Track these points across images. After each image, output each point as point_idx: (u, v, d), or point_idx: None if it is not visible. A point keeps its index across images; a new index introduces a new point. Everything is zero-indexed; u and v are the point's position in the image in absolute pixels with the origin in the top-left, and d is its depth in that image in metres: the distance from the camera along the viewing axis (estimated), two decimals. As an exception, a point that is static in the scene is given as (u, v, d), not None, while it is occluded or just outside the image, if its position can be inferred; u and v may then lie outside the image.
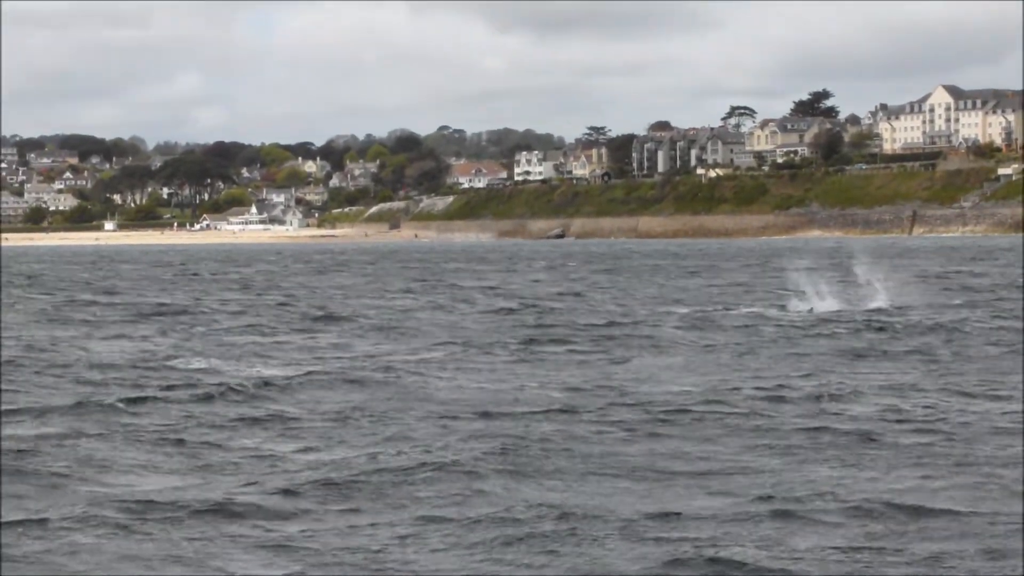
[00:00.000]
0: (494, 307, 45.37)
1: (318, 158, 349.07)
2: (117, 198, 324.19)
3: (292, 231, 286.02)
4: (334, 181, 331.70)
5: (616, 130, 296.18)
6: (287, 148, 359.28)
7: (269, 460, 16.33)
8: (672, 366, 26.29)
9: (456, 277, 73.89)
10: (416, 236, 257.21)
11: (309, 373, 24.67)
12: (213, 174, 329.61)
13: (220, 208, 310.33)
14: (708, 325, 36.12)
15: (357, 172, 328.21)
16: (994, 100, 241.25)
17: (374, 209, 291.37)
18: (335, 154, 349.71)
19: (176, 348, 30.58)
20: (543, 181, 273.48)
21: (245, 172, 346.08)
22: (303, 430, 18.54)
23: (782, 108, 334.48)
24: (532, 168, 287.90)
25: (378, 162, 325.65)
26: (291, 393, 22.16)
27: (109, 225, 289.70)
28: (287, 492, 14.21)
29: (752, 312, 40.90)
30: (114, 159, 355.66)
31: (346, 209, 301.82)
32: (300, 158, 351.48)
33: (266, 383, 22.96)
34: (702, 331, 34.13)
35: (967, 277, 64.93)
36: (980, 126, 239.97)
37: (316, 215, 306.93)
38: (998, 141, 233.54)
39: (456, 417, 19.29)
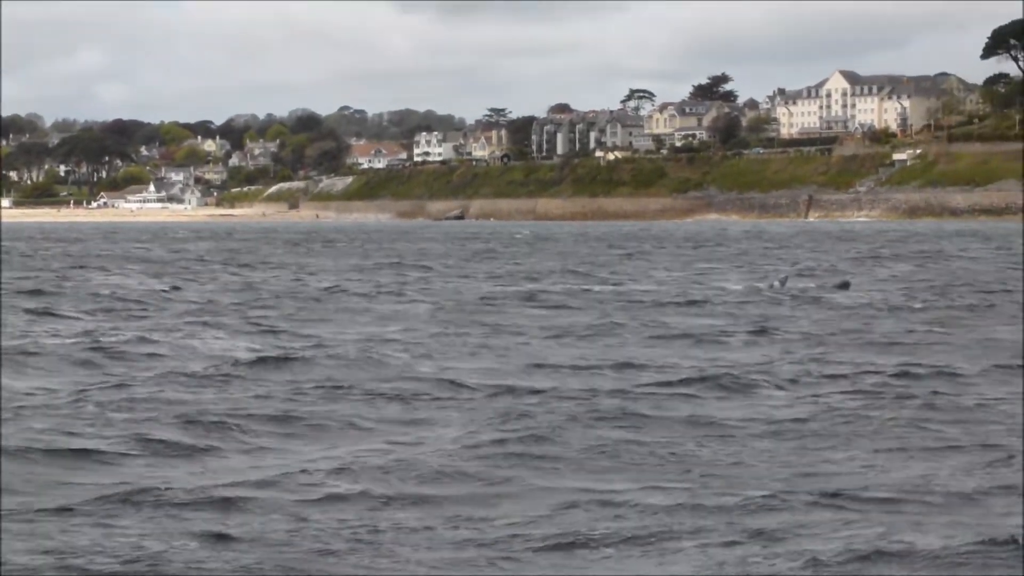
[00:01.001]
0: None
1: (218, 137, 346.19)
2: (13, 175, 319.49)
3: (190, 210, 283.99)
4: (234, 160, 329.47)
5: (518, 112, 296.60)
6: (187, 127, 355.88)
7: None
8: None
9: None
10: (318, 216, 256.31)
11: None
12: (111, 152, 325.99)
13: (118, 186, 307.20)
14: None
15: (257, 151, 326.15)
16: (890, 86, 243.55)
17: (273, 189, 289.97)
18: (235, 133, 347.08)
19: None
20: (443, 162, 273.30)
21: (144, 150, 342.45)
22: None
23: (684, 92, 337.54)
24: (432, 149, 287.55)
25: (278, 142, 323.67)
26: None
27: (5, 202, 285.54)
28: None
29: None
30: (11, 136, 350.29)
31: (245, 188, 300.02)
32: (200, 137, 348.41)
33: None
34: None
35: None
36: (876, 112, 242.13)
37: (215, 194, 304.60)
38: (893, 127, 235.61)
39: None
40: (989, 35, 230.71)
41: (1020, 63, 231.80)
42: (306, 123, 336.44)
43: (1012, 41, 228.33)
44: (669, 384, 19.99)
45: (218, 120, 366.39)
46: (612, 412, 17.22)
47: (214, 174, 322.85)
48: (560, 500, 12.50)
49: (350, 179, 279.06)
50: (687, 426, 16.52)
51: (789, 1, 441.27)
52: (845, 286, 44.20)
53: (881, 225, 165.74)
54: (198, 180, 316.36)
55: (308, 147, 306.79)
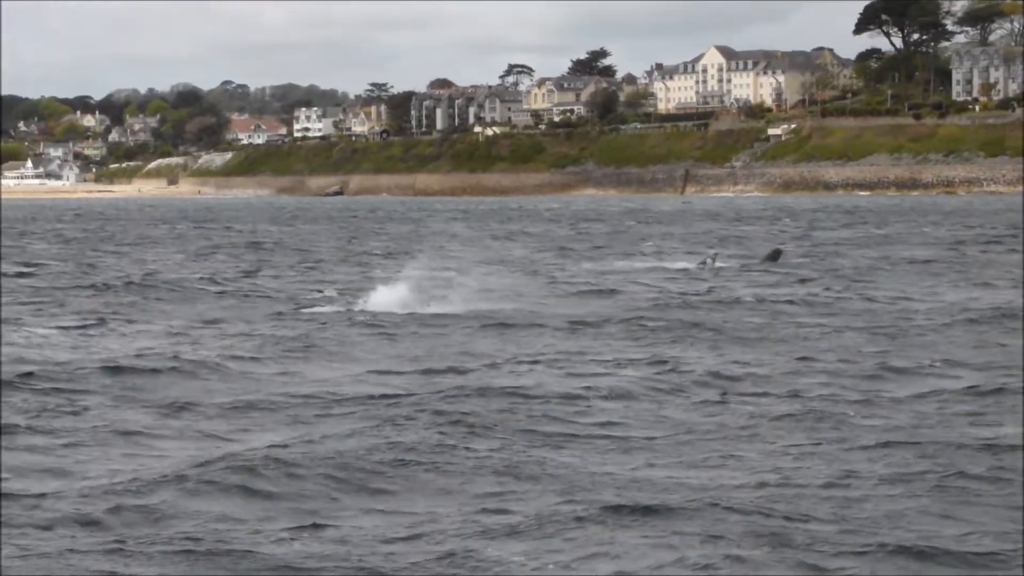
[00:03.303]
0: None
1: (97, 112, 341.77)
2: None
3: (69, 186, 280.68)
4: (113, 136, 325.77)
5: (400, 87, 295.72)
6: (65, 102, 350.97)
7: None
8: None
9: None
10: (200, 192, 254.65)
11: None
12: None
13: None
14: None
15: (137, 127, 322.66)
16: (765, 61, 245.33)
17: (152, 165, 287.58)
18: (115, 108, 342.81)
19: None
20: (322, 138, 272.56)
21: (22, 126, 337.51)
22: None
23: (564, 66, 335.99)
24: (312, 125, 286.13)
25: (158, 117, 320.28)
26: None
27: None
28: None
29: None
30: None
31: (124, 164, 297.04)
32: (79, 112, 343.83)
33: None
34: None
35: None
36: (752, 87, 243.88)
37: (94, 170, 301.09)
38: (768, 102, 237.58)
39: None
40: (861, 11, 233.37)
41: (892, 38, 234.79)
42: (187, 98, 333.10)
43: (884, 16, 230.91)
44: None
45: (98, 95, 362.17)
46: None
47: (93, 150, 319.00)
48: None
49: (230, 155, 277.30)
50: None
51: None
52: (776, 256, 44.59)
53: (769, 200, 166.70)
54: (77, 156, 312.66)
55: (189, 122, 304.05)
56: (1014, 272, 40.68)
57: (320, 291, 36.19)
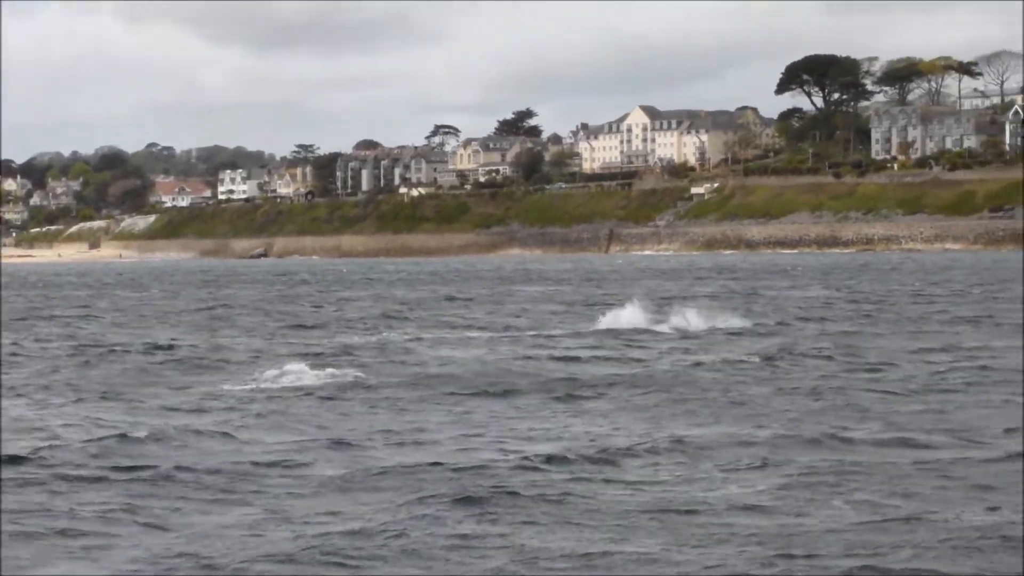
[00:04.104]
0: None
1: (19, 176, 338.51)
2: None
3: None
4: (35, 199, 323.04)
5: (327, 148, 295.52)
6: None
7: None
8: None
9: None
10: (121, 256, 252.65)
11: None
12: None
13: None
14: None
15: (59, 190, 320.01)
16: (688, 120, 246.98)
17: (74, 228, 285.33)
18: (37, 172, 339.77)
19: None
20: (247, 200, 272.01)
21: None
22: None
23: (491, 126, 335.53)
24: (236, 187, 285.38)
25: (81, 180, 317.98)
26: None
27: None
28: None
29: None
30: None
31: (45, 228, 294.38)
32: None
33: None
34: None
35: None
36: (675, 146, 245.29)
37: (14, 234, 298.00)
38: (692, 161, 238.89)
39: None
40: (783, 71, 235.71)
41: (813, 98, 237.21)
42: (111, 161, 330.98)
43: (805, 77, 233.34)
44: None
45: (20, 159, 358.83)
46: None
47: (14, 214, 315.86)
48: None
49: (153, 218, 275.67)
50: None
51: (594, 35, 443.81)
52: None
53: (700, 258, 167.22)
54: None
55: (112, 185, 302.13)
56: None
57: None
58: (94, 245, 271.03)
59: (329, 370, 29.92)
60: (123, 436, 20.66)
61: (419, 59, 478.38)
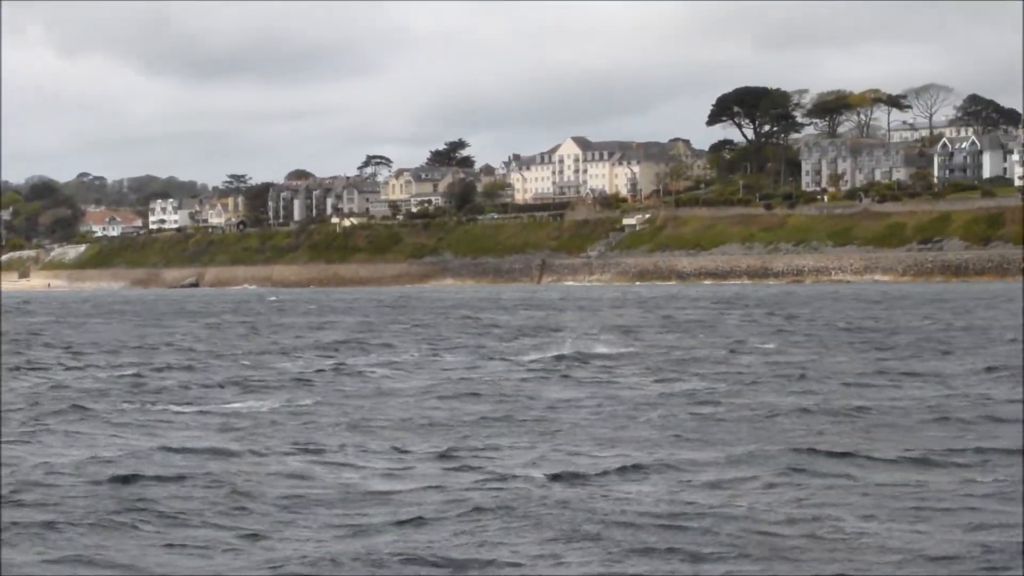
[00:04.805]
0: None
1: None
2: None
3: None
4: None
5: (259, 178, 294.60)
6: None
7: None
8: None
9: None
10: (49, 285, 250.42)
11: None
12: None
13: None
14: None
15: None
16: (620, 152, 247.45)
17: (4, 258, 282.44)
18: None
19: None
20: (178, 230, 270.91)
21: None
22: None
23: (423, 157, 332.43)
24: (168, 216, 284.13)
25: (11, 209, 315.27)
26: None
27: None
28: None
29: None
30: None
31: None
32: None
33: None
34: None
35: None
36: (607, 177, 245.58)
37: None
38: (624, 192, 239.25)
39: None
40: (714, 102, 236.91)
41: (744, 130, 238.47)
42: (41, 191, 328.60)
43: (736, 108, 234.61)
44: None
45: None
46: None
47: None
48: None
49: (83, 247, 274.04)
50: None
51: (526, 67, 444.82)
52: None
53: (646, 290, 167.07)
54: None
55: (42, 215, 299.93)
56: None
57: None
58: (23, 274, 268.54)
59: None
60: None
61: (353, 91, 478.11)
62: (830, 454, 19.95)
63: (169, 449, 20.82)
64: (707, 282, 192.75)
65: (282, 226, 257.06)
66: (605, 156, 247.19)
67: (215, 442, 21.77)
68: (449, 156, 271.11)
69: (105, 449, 21.10)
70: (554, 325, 62.57)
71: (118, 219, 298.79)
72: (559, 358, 39.24)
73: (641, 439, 21.96)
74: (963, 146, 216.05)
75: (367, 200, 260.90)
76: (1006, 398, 27.55)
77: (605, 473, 18.35)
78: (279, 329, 64.54)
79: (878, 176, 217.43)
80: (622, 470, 18.59)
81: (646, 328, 59.58)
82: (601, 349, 42.35)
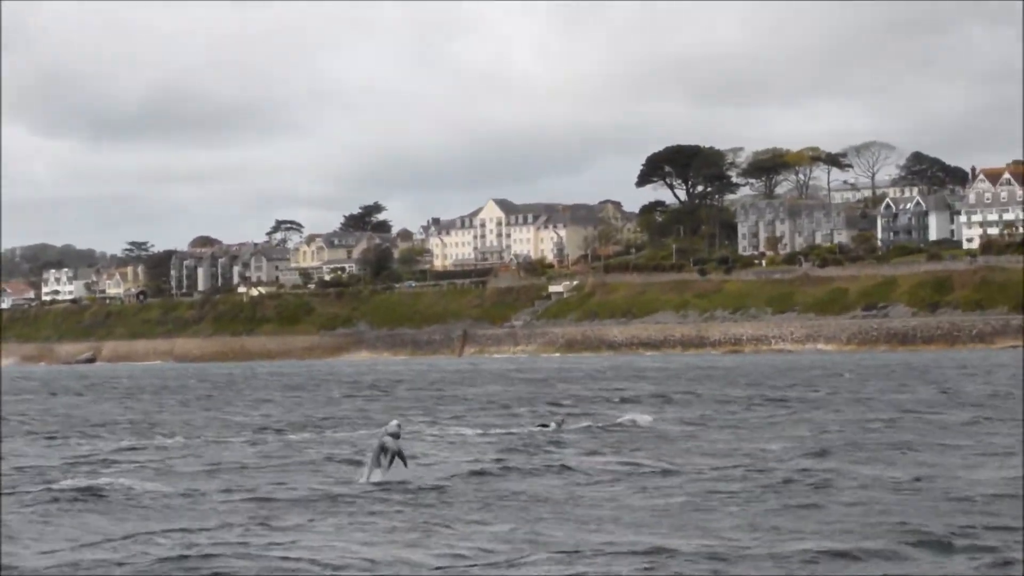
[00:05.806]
0: None
1: None
2: None
3: None
4: None
5: (162, 245, 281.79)
6: None
7: None
8: None
9: None
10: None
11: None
12: None
13: None
14: None
15: None
16: (546, 215, 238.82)
17: None
18: None
19: None
20: (73, 301, 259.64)
21: None
22: None
23: (336, 222, 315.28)
24: (62, 287, 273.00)
25: None
26: None
27: None
28: None
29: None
30: None
31: None
32: None
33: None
34: None
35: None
36: (532, 241, 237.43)
37: None
38: (550, 257, 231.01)
39: None
40: (644, 162, 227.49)
41: (676, 191, 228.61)
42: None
43: (667, 168, 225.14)
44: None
45: None
46: None
47: None
48: None
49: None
50: None
51: (446, 127, 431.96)
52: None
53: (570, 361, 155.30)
54: None
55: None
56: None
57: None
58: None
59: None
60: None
61: (263, 152, 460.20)
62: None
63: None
64: (642, 352, 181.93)
65: (185, 296, 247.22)
66: (529, 219, 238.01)
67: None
68: (364, 220, 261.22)
69: None
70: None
71: (8, 290, 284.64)
72: None
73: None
74: (907, 207, 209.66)
75: (276, 268, 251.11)
76: None
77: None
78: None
79: (819, 239, 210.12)
80: None
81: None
82: None
